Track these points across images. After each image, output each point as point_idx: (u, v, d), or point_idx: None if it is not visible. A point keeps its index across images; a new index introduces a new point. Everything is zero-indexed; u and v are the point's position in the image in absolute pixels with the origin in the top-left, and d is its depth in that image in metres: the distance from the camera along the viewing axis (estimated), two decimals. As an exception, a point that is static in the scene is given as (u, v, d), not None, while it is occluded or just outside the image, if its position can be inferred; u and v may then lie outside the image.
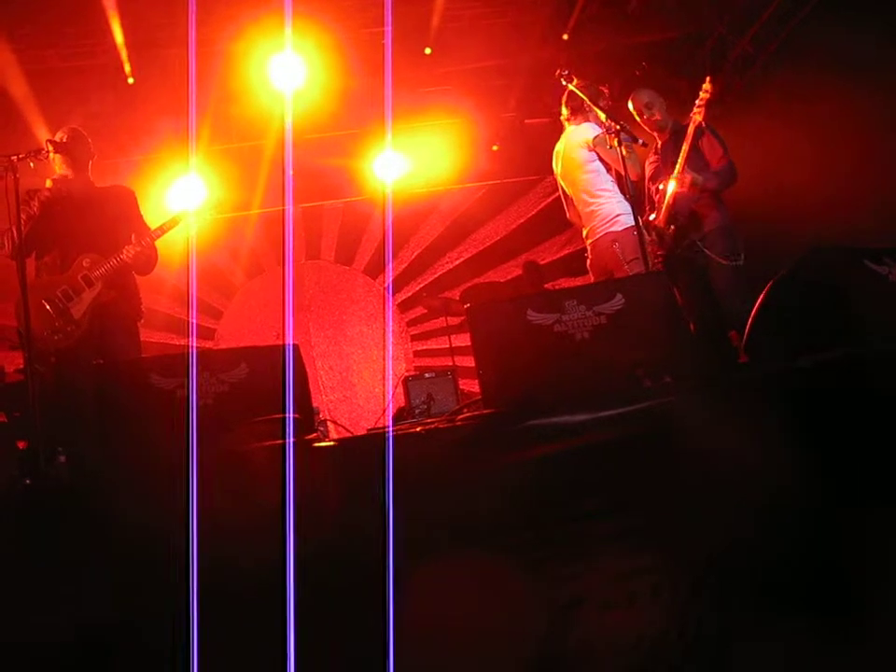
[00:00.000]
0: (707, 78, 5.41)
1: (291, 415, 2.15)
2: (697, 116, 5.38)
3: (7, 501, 3.74)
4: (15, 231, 4.87)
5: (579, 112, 5.70)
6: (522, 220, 9.86)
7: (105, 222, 5.32)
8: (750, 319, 3.92)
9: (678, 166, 5.39)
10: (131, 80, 7.52)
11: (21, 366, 5.47)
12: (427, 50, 7.65)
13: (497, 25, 7.64)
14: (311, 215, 9.70)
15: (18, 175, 4.77)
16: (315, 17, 6.67)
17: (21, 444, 6.58)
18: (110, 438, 3.81)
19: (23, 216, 4.96)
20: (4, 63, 6.96)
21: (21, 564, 2.89)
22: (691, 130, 5.38)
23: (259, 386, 3.71)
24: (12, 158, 4.78)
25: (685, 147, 5.38)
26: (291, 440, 2.13)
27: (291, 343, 2.26)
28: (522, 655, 2.64)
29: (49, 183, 5.31)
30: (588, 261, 5.78)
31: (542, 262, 9.15)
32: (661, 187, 5.58)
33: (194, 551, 2.14)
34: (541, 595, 2.74)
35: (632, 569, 2.74)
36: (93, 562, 2.83)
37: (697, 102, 5.38)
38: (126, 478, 3.30)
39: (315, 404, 5.22)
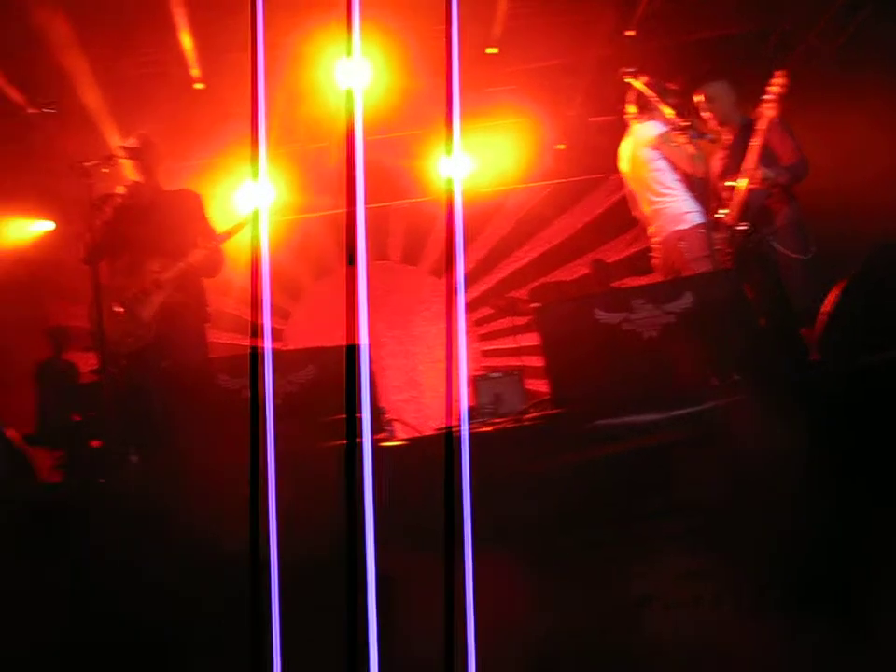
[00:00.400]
0: (779, 72, 5.30)
1: (366, 414, 2.16)
2: (769, 110, 5.27)
3: (81, 499, 3.82)
4: (89, 237, 4.97)
5: (645, 109, 5.64)
6: (588, 219, 9.79)
7: (173, 226, 5.39)
8: (823, 317, 3.85)
9: (749, 162, 5.29)
10: (199, 85, 7.63)
11: (95, 367, 5.57)
12: (492, 50, 7.63)
13: (561, 23, 7.58)
14: (377, 216, 9.74)
15: (91, 181, 4.87)
16: (381, 18, 6.69)
17: (94, 444, 6.71)
18: (180, 438, 3.87)
19: (97, 221, 5.05)
20: (78, 72, 7.11)
21: (94, 559, 2.94)
22: (762, 124, 5.28)
23: (327, 386, 3.74)
24: (86, 164, 4.88)
25: (756, 142, 5.27)
26: (369, 438, 2.13)
27: (355, 343, 2.27)
28: (588, 650, 2.62)
29: (121, 189, 5.39)
30: (655, 260, 5.72)
31: (609, 261, 9.06)
32: (730, 183, 5.49)
33: (274, 552, 2.15)
34: (609, 593, 2.72)
35: (697, 570, 2.71)
36: (161, 560, 2.87)
37: (768, 96, 5.27)
38: (194, 477, 3.34)
39: (382, 404, 5.24)
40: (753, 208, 5.39)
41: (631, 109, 5.73)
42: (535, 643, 2.66)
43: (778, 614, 2.69)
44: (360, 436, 2.18)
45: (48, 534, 3.08)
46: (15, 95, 7.39)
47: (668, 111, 5.00)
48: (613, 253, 9.36)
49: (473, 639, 2.14)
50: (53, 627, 2.84)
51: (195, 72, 7.48)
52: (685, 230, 5.38)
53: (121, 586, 2.87)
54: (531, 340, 7.67)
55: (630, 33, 7.54)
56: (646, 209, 5.68)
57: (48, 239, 8.93)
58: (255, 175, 2.44)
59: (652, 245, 5.71)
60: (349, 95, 2.33)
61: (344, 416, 2.21)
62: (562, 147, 9.21)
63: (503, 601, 2.62)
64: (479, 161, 9.07)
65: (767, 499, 2.87)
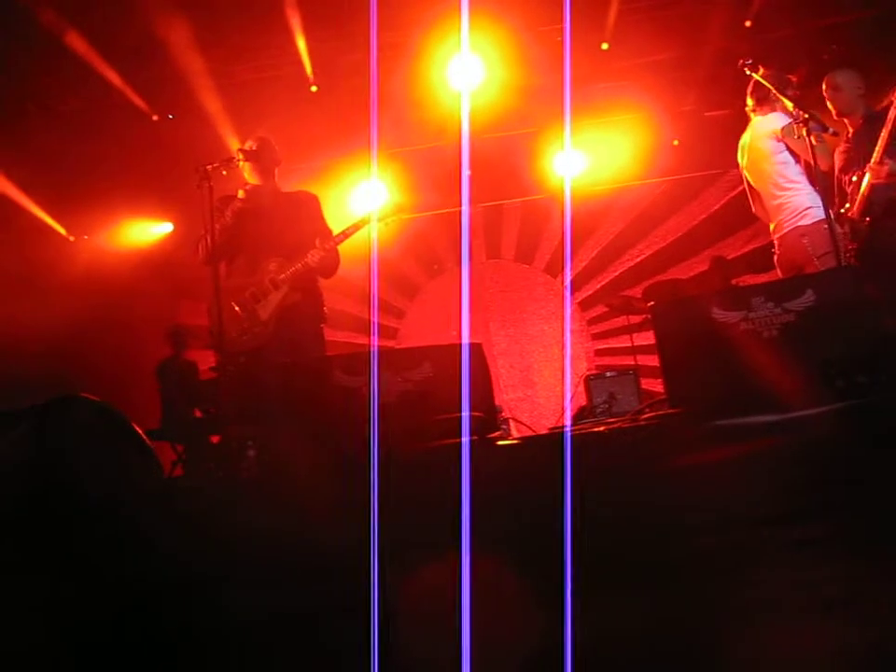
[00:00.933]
0: None
1: (465, 414, 2.17)
2: (900, 100, 5.06)
3: (203, 492, 3.92)
4: (209, 239, 5.10)
5: (765, 102, 5.50)
6: (704, 216, 9.64)
7: (290, 227, 5.47)
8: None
9: (875, 155, 5.11)
10: (314, 88, 7.77)
11: (215, 364, 5.72)
12: (604, 46, 7.57)
13: (675, 16, 7.49)
14: (491, 214, 9.77)
15: (212, 184, 5.00)
16: (492, 16, 6.70)
17: (214, 439, 6.89)
18: (297, 433, 3.93)
19: (217, 224, 5.18)
20: (199, 79, 7.34)
21: (214, 550, 3.01)
22: (891, 115, 5.08)
23: (443, 385, 3.76)
24: (206, 167, 5.02)
25: (883, 134, 5.08)
26: (467, 437, 2.14)
27: (470, 341, 2.28)
28: (697, 657, 2.57)
29: (241, 194, 5.49)
30: (775, 257, 5.58)
31: (727, 258, 8.90)
32: (854, 178, 5.32)
33: (375, 546, 2.17)
34: (728, 600, 2.67)
35: (823, 578, 2.63)
36: (279, 551, 2.93)
37: None
38: (311, 472, 3.39)
39: (497, 403, 5.26)
40: (877, 203, 5.21)
41: (749, 102, 5.60)
42: (639, 649, 2.62)
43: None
44: (472, 434, 2.19)
45: (173, 528, 3.17)
46: (139, 102, 7.66)
47: (788, 103, 4.87)
48: (731, 250, 9.20)
49: (570, 637, 2.13)
50: (171, 617, 2.92)
51: (310, 75, 7.63)
52: (808, 225, 5.24)
53: (239, 579, 2.93)
54: (646, 338, 7.58)
55: (747, 23, 7.40)
56: (768, 203, 5.54)
57: (170, 240, 9.22)
58: (370, 175, 2.47)
59: (774, 241, 5.56)
60: (460, 95, 2.35)
61: (455, 415, 2.22)
62: (677, 142, 9.09)
63: (609, 604, 2.59)
64: (593, 158, 9.02)
65: (892, 507, 2.77)
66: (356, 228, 5.42)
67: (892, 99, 5.09)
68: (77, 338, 7.62)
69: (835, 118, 5.48)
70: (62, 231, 8.81)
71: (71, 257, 8.76)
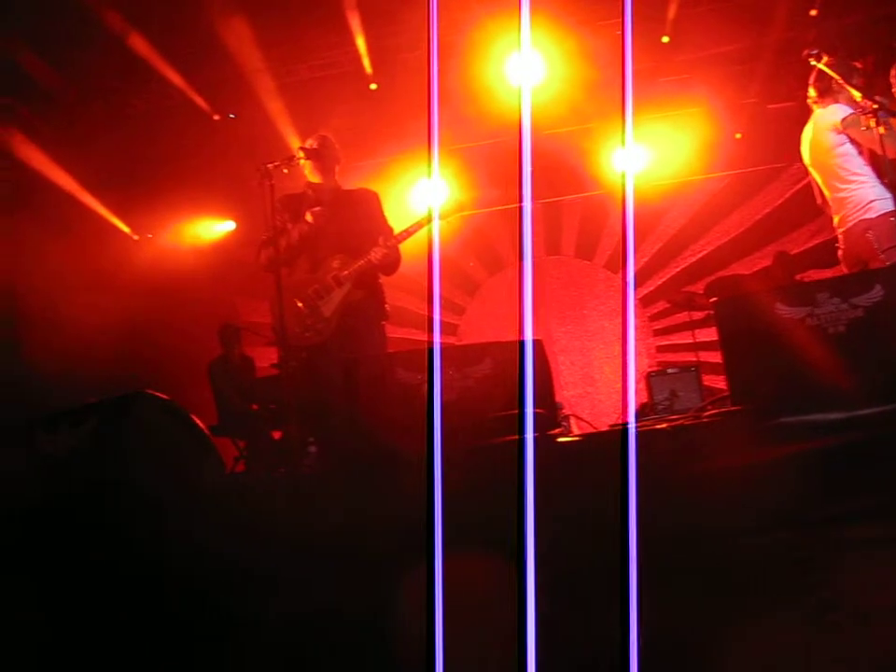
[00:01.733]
0: None
1: (529, 410, 2.16)
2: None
3: (264, 487, 3.96)
4: (272, 249, 5.15)
5: (827, 93, 5.39)
6: (767, 210, 9.49)
7: (352, 225, 5.51)
8: None
9: (942, 145, 4.99)
10: (373, 86, 7.81)
11: (276, 361, 5.77)
12: (665, 39, 7.50)
13: (737, 7, 7.40)
14: (550, 210, 9.72)
15: (273, 182, 5.05)
16: (552, 11, 6.67)
17: (276, 435, 6.95)
18: (358, 429, 3.96)
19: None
20: (259, 78, 7.42)
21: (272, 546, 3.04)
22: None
23: (504, 381, 3.75)
24: (268, 166, 5.07)
25: (951, 124, 4.97)
26: (532, 434, 2.12)
27: (528, 338, 2.27)
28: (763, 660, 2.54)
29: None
30: (839, 252, 5.47)
31: (791, 253, 8.75)
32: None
33: (438, 544, 2.17)
34: (791, 601, 2.63)
35: (888, 579, 2.59)
36: (335, 548, 2.95)
37: None
38: (372, 469, 3.41)
39: (558, 400, 5.24)
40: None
41: (812, 93, 5.50)
42: (700, 649, 2.59)
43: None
44: (534, 432, 2.19)
45: (235, 524, 3.20)
46: (201, 102, 7.75)
47: (855, 93, 4.77)
48: (795, 245, 9.04)
49: (636, 635, 2.11)
50: (227, 612, 2.95)
51: (370, 72, 7.66)
52: (873, 218, 5.12)
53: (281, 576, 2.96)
54: (709, 335, 7.49)
55: (812, 12, 7.27)
56: (831, 197, 5.43)
57: (232, 238, 9.32)
58: (430, 172, 2.47)
59: (838, 236, 5.46)
60: (520, 91, 2.34)
61: (515, 412, 2.21)
62: (740, 136, 8.97)
63: (670, 603, 2.57)
64: (654, 152, 8.94)
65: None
66: (419, 226, 5.43)
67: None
68: (142, 335, 7.74)
69: None
70: (126, 230, 8.95)
71: (135, 255, 8.89)
